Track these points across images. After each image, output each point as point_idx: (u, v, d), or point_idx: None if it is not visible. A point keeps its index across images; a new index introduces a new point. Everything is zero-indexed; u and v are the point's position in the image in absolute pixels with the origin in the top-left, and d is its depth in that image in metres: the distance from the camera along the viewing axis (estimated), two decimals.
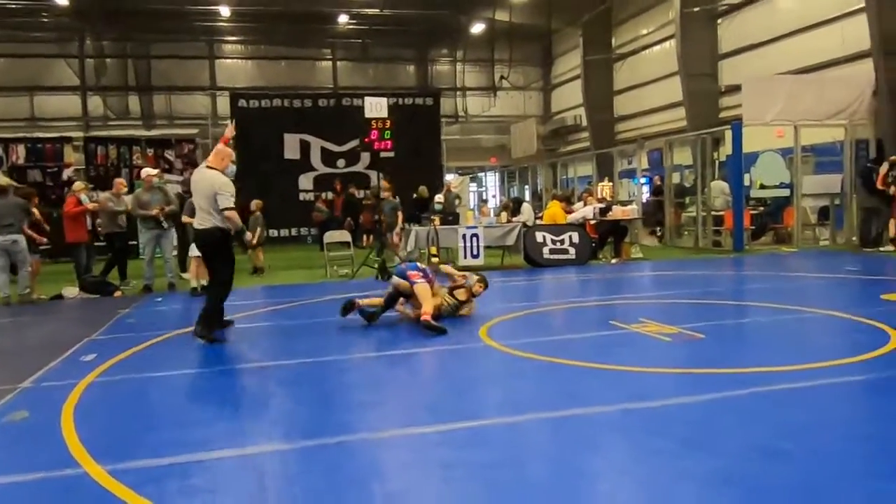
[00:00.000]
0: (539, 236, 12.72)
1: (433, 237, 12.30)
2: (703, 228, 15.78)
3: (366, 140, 12.08)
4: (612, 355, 5.59)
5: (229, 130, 7.41)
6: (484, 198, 34.69)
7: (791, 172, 15.14)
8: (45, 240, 10.70)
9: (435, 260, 12.44)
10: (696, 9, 21.94)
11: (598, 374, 5.10)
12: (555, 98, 35.11)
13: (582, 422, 4.01)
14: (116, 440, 3.93)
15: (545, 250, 12.63)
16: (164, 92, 31.78)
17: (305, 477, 3.37)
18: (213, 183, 6.59)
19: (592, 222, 13.68)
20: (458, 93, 35.01)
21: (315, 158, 19.83)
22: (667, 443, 3.59)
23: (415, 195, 16.26)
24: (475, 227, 12.67)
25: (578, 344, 6.26)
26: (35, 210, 10.36)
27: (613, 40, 29.02)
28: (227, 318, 7.20)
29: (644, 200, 19.62)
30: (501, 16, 30.18)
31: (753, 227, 15.49)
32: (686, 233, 17.20)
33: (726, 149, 16.63)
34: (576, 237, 12.79)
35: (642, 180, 20.90)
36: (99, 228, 11.53)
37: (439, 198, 15.00)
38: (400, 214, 13.81)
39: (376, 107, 11.91)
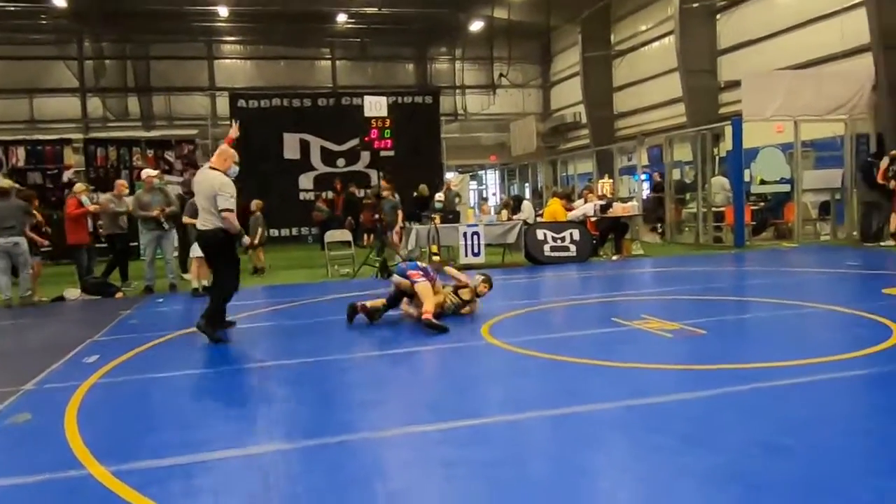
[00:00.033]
0: (540, 234, 12.72)
1: (434, 235, 12.31)
2: (703, 224, 15.77)
3: (366, 139, 12.09)
4: (614, 352, 5.59)
5: (233, 131, 7.43)
6: (484, 196, 34.70)
7: (791, 168, 15.13)
8: (46, 242, 10.71)
9: (436, 258, 12.44)
10: (695, 4, 21.93)
11: (599, 371, 5.10)
12: (554, 95, 35.09)
13: (584, 419, 4.01)
14: (120, 441, 3.94)
15: (546, 248, 12.63)
16: (163, 93, 31.79)
17: (308, 476, 3.38)
18: (214, 183, 6.59)
19: (593, 219, 13.68)
20: (457, 91, 34.99)
21: (315, 158, 19.85)
22: (668, 439, 3.59)
23: (415, 194, 16.28)
24: (476, 226, 12.67)
25: (580, 341, 6.26)
26: (36, 213, 10.38)
27: (612, 37, 29.01)
28: (229, 318, 7.20)
29: (644, 197, 19.61)
30: (500, 13, 30.16)
31: (754, 223, 15.49)
32: (687, 229, 17.19)
33: (726, 144, 16.62)
34: (576, 234, 12.79)
35: (642, 177, 20.89)
36: (100, 230, 11.54)
37: (440, 196, 15.00)
38: (400, 213, 13.81)
39: (376, 105, 11.92)
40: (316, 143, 19.85)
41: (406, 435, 3.90)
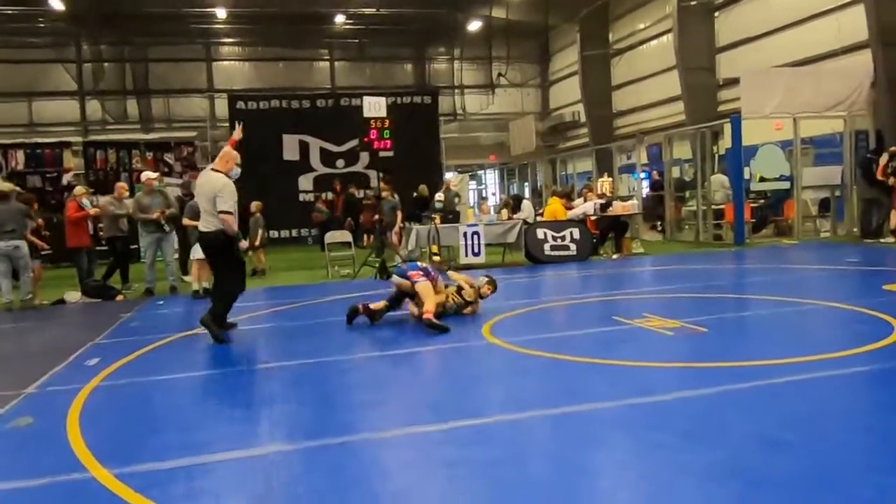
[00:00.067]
0: (540, 233, 12.73)
1: (434, 236, 12.31)
2: (703, 222, 15.77)
3: (365, 140, 12.07)
4: (615, 351, 5.60)
5: (237, 133, 7.47)
6: (484, 195, 34.69)
7: (791, 165, 15.13)
8: (46, 246, 10.70)
9: (436, 258, 12.45)
10: (693, 2, 21.93)
11: (601, 370, 5.11)
12: (553, 94, 35.08)
13: (585, 418, 4.02)
14: (122, 444, 3.94)
15: (546, 247, 12.64)
16: (161, 95, 31.77)
17: (309, 477, 3.38)
18: (215, 185, 6.65)
19: (593, 218, 13.69)
20: (456, 91, 34.97)
21: (314, 159, 19.84)
22: (670, 437, 3.60)
23: (415, 194, 16.28)
24: (476, 225, 12.68)
25: (581, 340, 6.26)
26: (39, 220, 10.39)
27: (611, 35, 29.00)
28: (230, 320, 7.21)
29: (644, 195, 19.61)
30: (498, 13, 30.15)
31: (754, 220, 15.49)
32: (687, 227, 17.20)
33: (725, 142, 16.62)
34: (576, 233, 12.79)
35: (642, 175, 20.89)
36: (101, 233, 11.54)
37: (440, 196, 15.01)
38: (399, 214, 13.82)
39: (375, 106, 11.93)
40: (315, 144, 19.84)
41: (408, 435, 3.91)
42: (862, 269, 10.19)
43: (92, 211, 10.96)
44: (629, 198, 18.06)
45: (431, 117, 20.89)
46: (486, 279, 7.67)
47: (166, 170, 18.21)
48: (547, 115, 34.80)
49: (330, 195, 19.03)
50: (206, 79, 32.44)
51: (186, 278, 11.42)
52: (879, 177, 13.12)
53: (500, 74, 33.44)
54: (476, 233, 12.46)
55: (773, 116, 15.00)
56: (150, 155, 18.86)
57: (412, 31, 32.88)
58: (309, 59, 33.72)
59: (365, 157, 18.75)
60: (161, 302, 10.00)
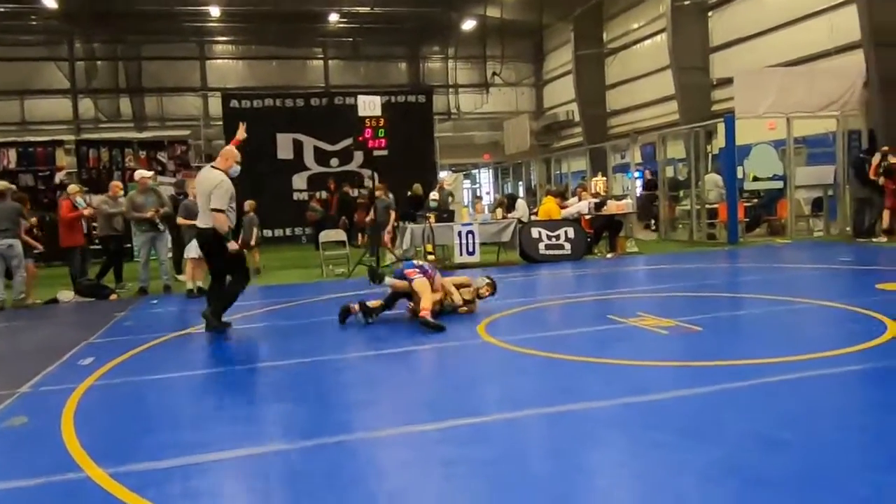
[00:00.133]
0: (534, 232, 12.74)
1: (429, 235, 12.30)
2: (697, 221, 15.82)
3: (359, 138, 12.05)
4: (610, 349, 5.61)
5: (240, 133, 7.53)
6: (478, 194, 34.70)
7: (784, 164, 15.19)
8: (41, 246, 10.65)
9: (431, 258, 12.44)
10: (687, 2, 21.99)
11: (596, 369, 5.12)
12: (547, 94, 35.13)
13: (581, 416, 4.03)
14: (117, 443, 3.93)
15: (541, 246, 12.65)
16: (155, 93, 31.69)
17: (306, 477, 3.37)
18: (212, 182, 6.73)
19: (587, 217, 13.71)
20: (450, 90, 35.00)
21: (308, 158, 19.82)
22: (666, 436, 3.61)
23: (409, 193, 16.27)
24: (470, 224, 12.68)
25: (576, 339, 6.27)
26: (32, 219, 10.34)
27: (605, 35, 29.06)
28: (224, 319, 7.21)
29: (637, 194, 19.67)
30: (493, 12, 30.18)
31: (747, 220, 15.54)
32: (681, 226, 17.24)
33: (719, 142, 16.66)
34: (571, 232, 12.81)
35: (636, 174, 20.95)
36: (94, 232, 11.48)
37: (434, 195, 15.01)
38: (392, 213, 13.81)
39: (369, 105, 11.87)
40: (309, 142, 19.82)
41: (404, 434, 3.90)
42: (855, 269, 10.25)
43: (86, 211, 10.91)
44: (623, 197, 18.10)
45: (426, 116, 20.90)
46: (487, 280, 7.67)
47: (160, 168, 18.16)
48: (541, 114, 34.86)
49: (324, 194, 19.00)
50: (199, 77, 32.38)
51: (180, 277, 11.39)
52: (872, 176, 13.19)
53: (494, 73, 33.48)
54: (471, 232, 12.46)
55: (766, 116, 15.05)
56: (143, 153, 18.78)
57: (406, 30, 32.89)
58: (303, 57, 33.69)
59: (359, 155, 18.73)
60: (155, 301, 9.97)
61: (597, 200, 13.91)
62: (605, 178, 21.03)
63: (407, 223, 12.85)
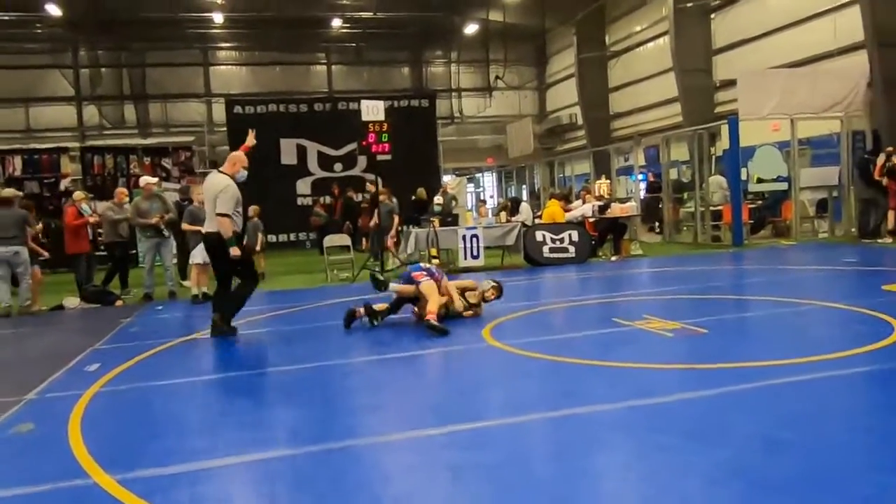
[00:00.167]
0: (539, 235, 12.74)
1: (433, 239, 12.31)
2: (701, 223, 15.80)
3: (363, 143, 12.07)
4: (616, 352, 5.60)
5: (249, 140, 7.58)
6: (482, 198, 34.70)
7: (788, 166, 15.17)
8: (47, 253, 10.68)
9: (435, 261, 12.44)
10: (689, 4, 21.98)
11: (601, 372, 5.11)
12: (550, 97, 35.14)
13: (587, 420, 4.02)
14: (124, 450, 3.94)
15: (545, 249, 12.64)
16: (159, 100, 31.79)
17: (313, 482, 3.37)
18: (217, 187, 6.80)
19: (591, 220, 13.70)
20: (453, 94, 35.02)
21: (312, 163, 19.89)
22: (672, 438, 3.60)
23: (413, 197, 16.29)
24: (475, 228, 12.69)
25: (582, 342, 6.26)
26: (38, 226, 10.38)
27: (607, 38, 29.07)
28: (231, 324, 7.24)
29: (641, 197, 19.66)
30: (495, 16, 30.23)
31: (752, 221, 15.52)
32: (685, 228, 17.22)
33: (723, 143, 16.66)
34: (575, 235, 12.81)
35: (639, 177, 20.93)
36: (100, 238, 11.52)
37: (438, 199, 15.03)
38: (396, 218, 13.83)
39: (373, 110, 11.90)
40: (313, 147, 19.88)
41: (410, 439, 3.90)
42: (860, 270, 10.21)
43: (91, 219, 10.95)
44: (627, 199, 18.10)
45: (429, 120, 20.96)
46: (493, 284, 7.67)
47: (164, 175, 18.24)
48: (544, 117, 34.86)
49: (328, 199, 19.05)
50: (203, 83, 32.47)
51: (185, 283, 11.41)
52: (877, 177, 13.15)
53: (497, 77, 33.52)
54: (475, 236, 12.47)
55: (770, 117, 15.04)
56: (147, 160, 18.88)
57: (409, 35, 32.94)
58: (306, 63, 33.78)
59: (363, 160, 18.77)
60: (160, 307, 9.99)
61: (601, 203, 13.90)
62: (608, 181, 21.01)
63: (411, 227, 12.87)
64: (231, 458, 3.70)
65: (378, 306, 7.23)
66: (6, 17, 26.03)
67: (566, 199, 15.12)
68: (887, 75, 14.76)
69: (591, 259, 13.00)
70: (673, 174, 18.10)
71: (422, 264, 7.61)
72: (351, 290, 10.29)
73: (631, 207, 14.62)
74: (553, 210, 13.81)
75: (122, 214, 11.04)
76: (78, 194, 11.43)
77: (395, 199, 14.54)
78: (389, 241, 13.31)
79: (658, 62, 24.65)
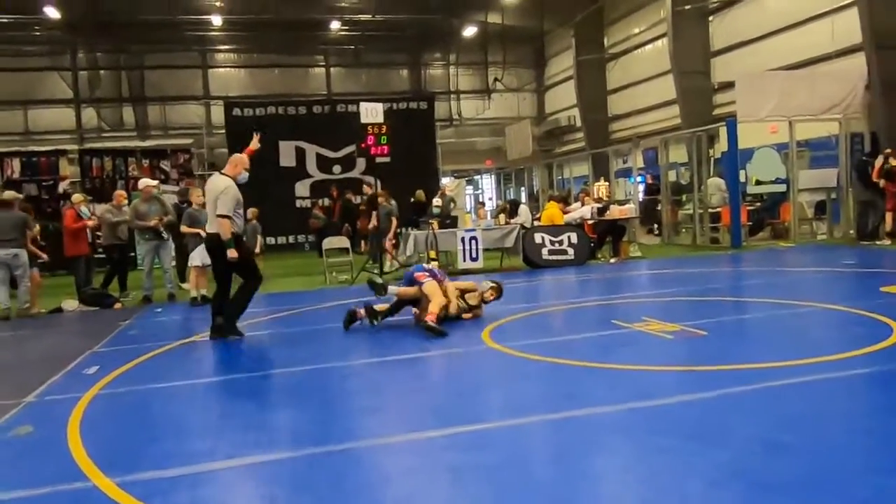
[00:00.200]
0: (538, 237, 12.74)
1: (432, 241, 12.31)
2: (700, 225, 15.82)
3: (362, 145, 12.09)
4: (615, 355, 5.60)
5: (254, 143, 7.61)
6: (481, 200, 34.73)
7: (787, 168, 15.19)
8: (46, 256, 10.67)
9: (434, 263, 12.44)
10: (688, 7, 22.01)
11: (601, 374, 5.11)
12: (549, 99, 35.18)
13: (587, 422, 4.02)
14: (123, 452, 3.93)
15: (544, 251, 12.65)
16: (157, 102, 31.80)
17: (313, 485, 3.37)
18: (218, 188, 6.84)
19: (590, 222, 13.71)
20: (451, 96, 35.06)
21: (311, 165, 19.90)
22: (671, 440, 3.60)
23: (412, 199, 16.30)
24: (474, 230, 12.69)
25: (581, 344, 6.27)
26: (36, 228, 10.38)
27: (606, 40, 29.10)
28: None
29: (640, 199, 19.68)
30: (494, 18, 30.26)
31: (750, 223, 15.54)
32: (684, 230, 17.23)
33: (721, 145, 16.68)
34: (574, 237, 12.81)
35: (638, 179, 20.95)
36: (99, 241, 11.51)
37: (437, 201, 15.03)
38: (394, 220, 13.83)
39: (372, 112, 11.91)
40: (311, 150, 19.89)
41: (410, 441, 3.90)
42: (859, 272, 10.23)
43: (90, 223, 10.94)
44: (626, 202, 18.11)
45: (428, 123, 20.98)
46: (492, 284, 7.66)
47: (163, 177, 18.23)
48: (543, 119, 34.89)
49: (327, 201, 19.05)
50: (202, 86, 32.49)
51: (184, 286, 11.40)
52: (875, 179, 13.17)
53: (495, 79, 33.54)
54: (474, 238, 12.47)
55: (768, 119, 15.06)
56: (146, 162, 18.87)
57: (407, 37, 32.97)
58: (305, 65, 33.81)
59: (361, 162, 18.79)
60: (159, 309, 9.98)
61: (600, 205, 13.91)
62: (607, 183, 21.04)
63: (410, 229, 12.87)
64: (231, 460, 3.69)
65: (379, 306, 7.25)
66: (4, 20, 26.02)
67: (565, 201, 15.15)
68: (885, 77, 14.78)
69: (590, 261, 13.00)
70: (671, 176, 18.12)
71: (424, 265, 7.62)
72: (350, 293, 10.29)
73: (630, 209, 14.63)
74: (552, 212, 13.83)
75: (121, 217, 11.04)
76: (77, 197, 11.42)
77: (393, 202, 14.54)
78: (388, 244, 13.31)
79: (656, 64, 24.68)
